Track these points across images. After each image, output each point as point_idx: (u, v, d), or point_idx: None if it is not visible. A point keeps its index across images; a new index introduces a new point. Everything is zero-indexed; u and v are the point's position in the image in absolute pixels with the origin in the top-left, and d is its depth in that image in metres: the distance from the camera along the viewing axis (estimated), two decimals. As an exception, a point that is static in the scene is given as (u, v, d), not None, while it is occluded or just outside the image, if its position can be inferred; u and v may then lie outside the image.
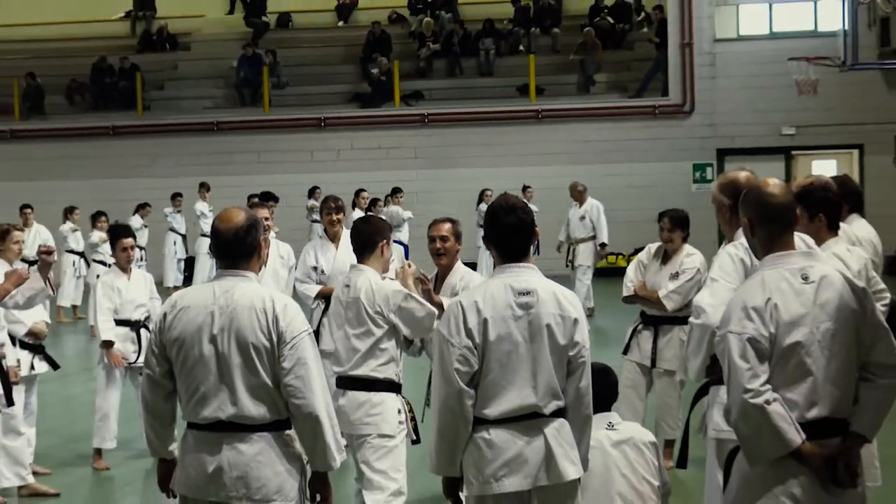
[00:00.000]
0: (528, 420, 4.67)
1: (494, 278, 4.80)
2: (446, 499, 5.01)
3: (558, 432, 4.70)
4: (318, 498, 4.78)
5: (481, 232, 19.08)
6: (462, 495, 4.88)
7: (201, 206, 21.58)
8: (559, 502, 4.72)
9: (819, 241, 6.26)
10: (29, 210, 18.05)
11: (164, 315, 4.73)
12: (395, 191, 21.70)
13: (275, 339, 4.58)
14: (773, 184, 4.55)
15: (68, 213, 19.64)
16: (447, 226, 7.03)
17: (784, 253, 4.41)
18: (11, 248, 8.64)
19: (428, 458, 4.92)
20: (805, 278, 4.31)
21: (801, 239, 4.74)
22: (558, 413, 4.72)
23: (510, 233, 4.78)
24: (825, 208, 6.39)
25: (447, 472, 4.80)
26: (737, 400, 4.23)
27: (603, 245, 17.53)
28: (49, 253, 7.98)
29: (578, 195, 17.71)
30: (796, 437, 4.19)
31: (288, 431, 4.68)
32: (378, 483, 6.16)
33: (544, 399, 4.68)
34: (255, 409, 4.59)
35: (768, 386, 4.20)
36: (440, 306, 6.79)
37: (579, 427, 4.79)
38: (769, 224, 4.44)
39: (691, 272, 8.29)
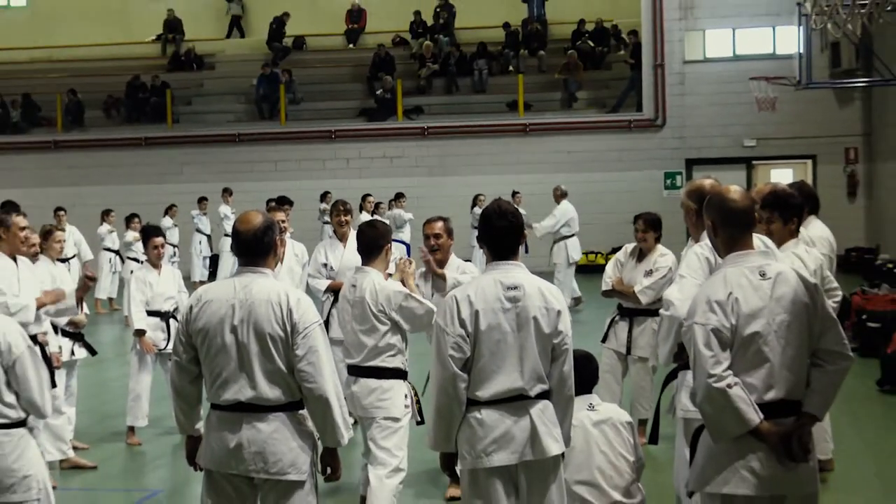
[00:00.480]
0: (515, 401, 4.67)
1: (486, 274, 4.81)
2: (443, 471, 5.02)
3: (543, 412, 4.70)
4: (329, 471, 4.79)
5: (475, 233, 19.17)
6: (457, 468, 4.88)
7: (224, 210, 21.59)
8: (543, 475, 4.72)
9: (781, 242, 6.30)
10: (62, 212, 17.92)
11: (191, 307, 4.74)
12: (398, 196, 21.71)
13: (289, 329, 4.59)
14: (734, 190, 4.57)
15: (105, 215, 19.68)
16: (440, 224, 7.10)
17: (744, 252, 4.42)
18: (54, 247, 8.66)
19: (427, 435, 4.93)
20: (763, 275, 4.32)
21: (759, 239, 4.75)
22: (543, 395, 4.73)
23: (502, 234, 4.80)
24: (799, 213, 6.43)
25: (444, 447, 4.81)
26: (702, 384, 4.24)
27: (529, 225, 16.90)
28: (93, 279, 7.97)
29: (556, 198, 17.66)
30: (755, 416, 4.20)
31: (301, 411, 4.69)
32: (382, 459, 6.17)
33: (530, 382, 4.68)
34: (271, 392, 4.60)
35: (730, 371, 4.22)
36: (443, 278, 6.88)
37: (562, 408, 4.79)
38: (730, 226, 4.45)
39: (664, 270, 8.30)
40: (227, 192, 22.13)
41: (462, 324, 4.64)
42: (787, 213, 6.43)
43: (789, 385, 4.27)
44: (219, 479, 4.70)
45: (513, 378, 4.66)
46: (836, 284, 7.00)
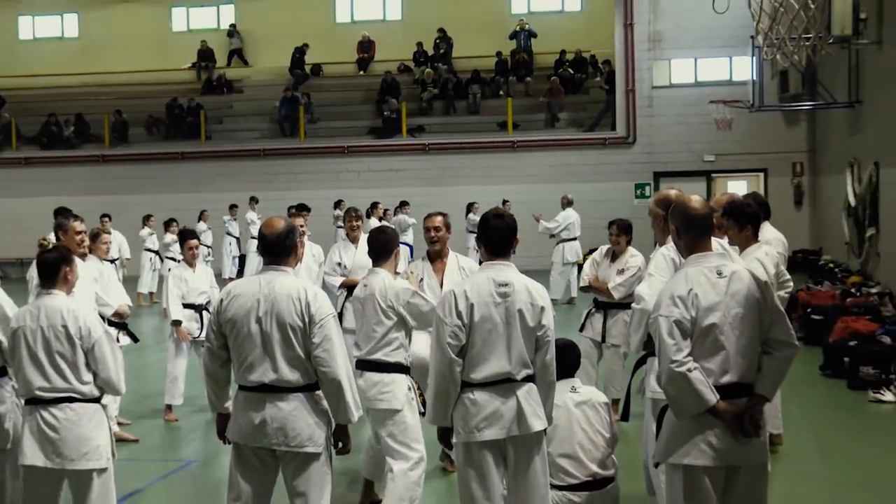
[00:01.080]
0: (503, 384, 4.67)
1: (481, 272, 4.81)
2: (440, 443, 5.01)
3: (528, 394, 4.70)
4: (340, 445, 4.78)
5: (470, 237, 19.17)
6: (452, 441, 4.88)
7: (251, 215, 21.58)
8: (528, 449, 4.72)
9: (745, 246, 6.31)
10: (106, 219, 17.80)
11: (221, 301, 4.73)
12: (403, 203, 21.67)
13: (307, 320, 4.58)
14: (695, 199, 4.57)
15: (146, 220, 19.68)
16: (439, 218, 6.90)
17: (703, 254, 4.42)
18: (101, 248, 8.66)
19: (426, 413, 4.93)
20: (719, 274, 4.32)
21: (717, 243, 4.75)
22: (528, 379, 4.72)
23: (498, 234, 4.79)
24: (753, 221, 6.44)
25: (441, 423, 4.81)
26: (665, 368, 4.24)
27: (537, 218, 17.66)
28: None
29: (562, 205, 17.66)
30: (712, 397, 4.20)
31: (317, 392, 4.67)
32: (403, 454, 5.80)
33: (516, 368, 4.68)
34: (291, 375, 4.59)
35: (690, 357, 4.22)
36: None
37: (545, 390, 4.78)
38: (692, 231, 4.45)
39: (634, 269, 8.30)
40: (253, 200, 22.13)
41: (459, 315, 4.63)
42: (741, 220, 6.44)
43: (742, 370, 4.27)
44: (245, 451, 4.69)
45: (501, 363, 4.65)
46: (788, 277, 7.02)
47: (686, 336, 4.23)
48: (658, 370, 4.39)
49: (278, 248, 4.73)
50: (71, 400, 4.88)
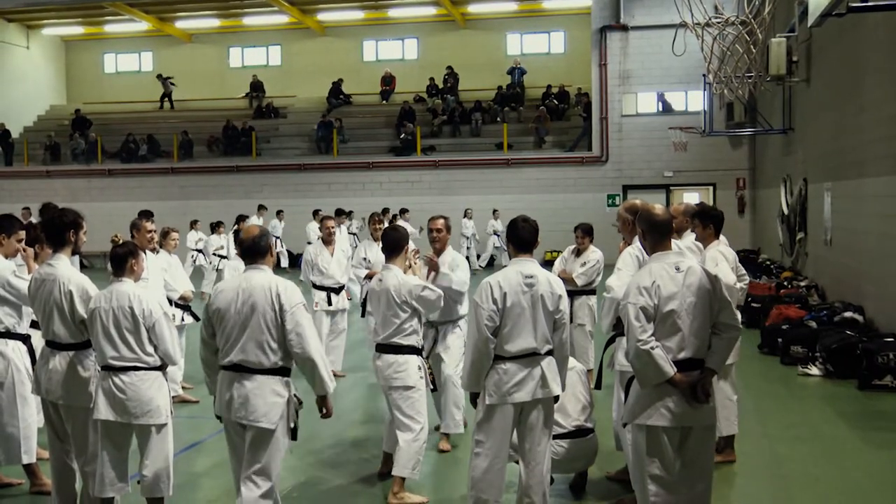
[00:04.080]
0: (530, 357, 4.66)
1: (510, 267, 4.78)
2: (472, 404, 4.91)
3: (549, 365, 4.71)
4: (324, 411, 4.61)
5: (462, 240, 19.29)
6: (479, 402, 4.77)
7: (275, 223, 20.85)
8: (545, 409, 4.74)
9: (708, 242, 6.29)
10: (222, 226, 17.29)
11: (210, 296, 4.59)
12: (404, 210, 21.38)
13: (277, 308, 4.40)
14: (658, 208, 4.55)
15: (194, 224, 19.44)
16: (441, 221, 6.68)
17: (664, 252, 4.39)
18: (170, 243, 8.65)
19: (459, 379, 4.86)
20: (677, 269, 4.30)
21: (675, 244, 4.72)
22: (549, 353, 4.72)
23: (525, 235, 4.79)
24: (715, 221, 6.42)
25: (474, 388, 4.77)
26: (632, 346, 4.22)
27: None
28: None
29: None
30: (670, 370, 4.18)
31: (281, 377, 4.44)
32: (408, 425, 5.56)
33: (541, 343, 4.67)
34: (256, 357, 4.41)
35: (653, 338, 4.19)
36: (437, 266, 6.49)
37: (560, 362, 4.80)
38: (654, 233, 4.43)
39: (593, 262, 8.51)
40: (262, 209, 21.26)
41: (494, 301, 4.62)
42: (705, 220, 6.42)
43: (695, 348, 4.24)
44: (226, 423, 4.55)
45: (528, 340, 4.65)
46: (745, 272, 6.86)
47: (650, 320, 4.21)
48: (626, 348, 4.37)
49: (254, 250, 4.55)
50: (137, 368, 4.83)
